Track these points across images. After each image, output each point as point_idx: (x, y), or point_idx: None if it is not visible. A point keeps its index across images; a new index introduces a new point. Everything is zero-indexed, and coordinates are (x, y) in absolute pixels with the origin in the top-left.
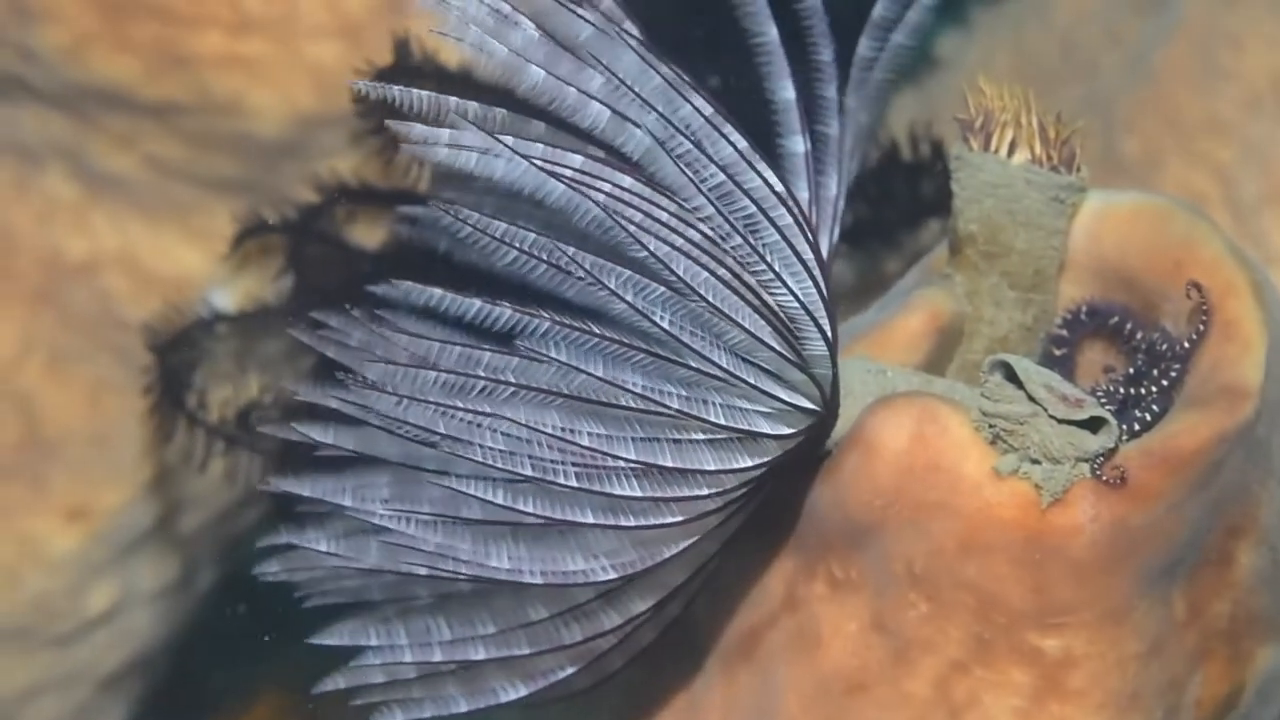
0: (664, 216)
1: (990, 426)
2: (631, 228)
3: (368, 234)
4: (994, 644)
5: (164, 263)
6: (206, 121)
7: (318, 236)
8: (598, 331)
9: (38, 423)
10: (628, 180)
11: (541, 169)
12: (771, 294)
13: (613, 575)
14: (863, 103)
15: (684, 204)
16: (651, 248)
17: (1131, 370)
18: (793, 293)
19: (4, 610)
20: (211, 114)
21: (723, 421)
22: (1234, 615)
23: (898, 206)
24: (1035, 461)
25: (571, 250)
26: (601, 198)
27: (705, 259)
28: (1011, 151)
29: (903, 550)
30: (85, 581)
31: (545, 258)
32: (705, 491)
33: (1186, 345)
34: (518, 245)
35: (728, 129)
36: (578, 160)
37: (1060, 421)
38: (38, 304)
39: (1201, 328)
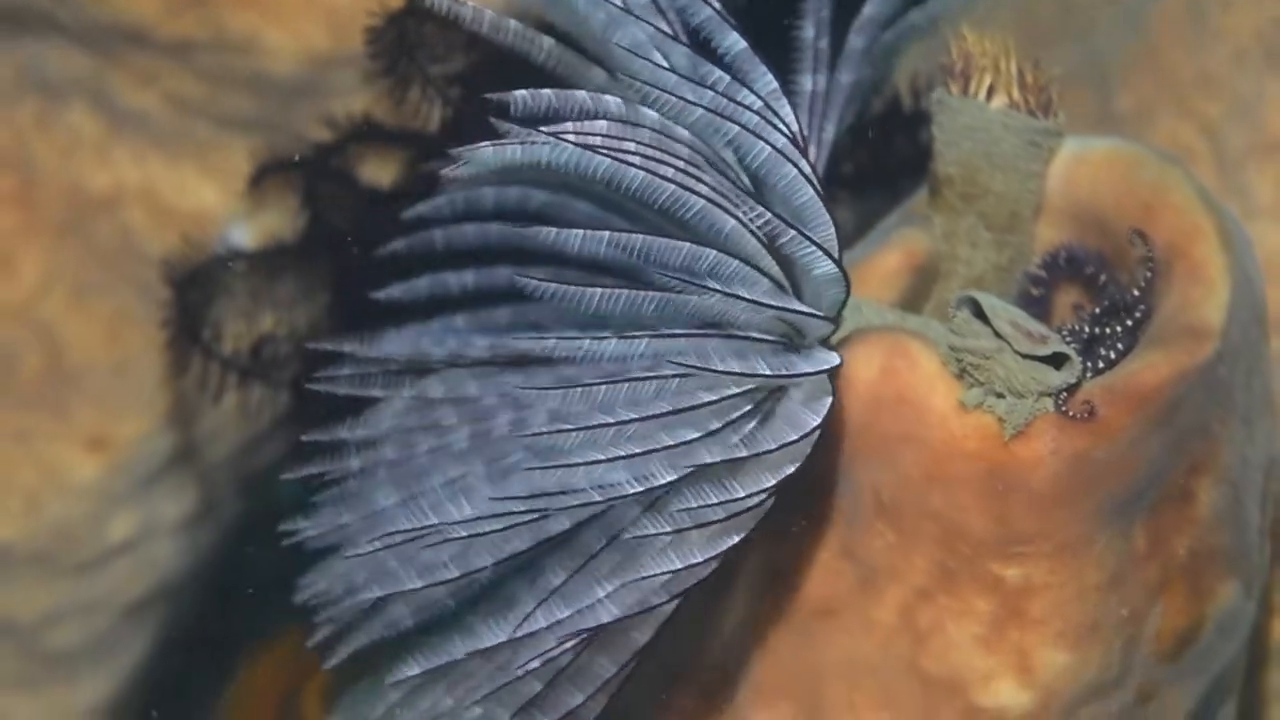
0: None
1: (958, 361)
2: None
3: (380, 173)
4: (957, 573)
5: (183, 198)
6: (223, 60)
7: (332, 175)
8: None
9: (60, 353)
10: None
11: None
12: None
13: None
14: (866, 57)
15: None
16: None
17: (1098, 310)
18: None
19: (25, 535)
20: (228, 52)
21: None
22: (1194, 551)
23: (898, 155)
24: (1000, 395)
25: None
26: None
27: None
28: (990, 96)
29: (872, 480)
30: (106, 510)
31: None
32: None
33: (1137, 292)
34: None
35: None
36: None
37: (1025, 357)
38: (61, 236)
39: (1149, 274)
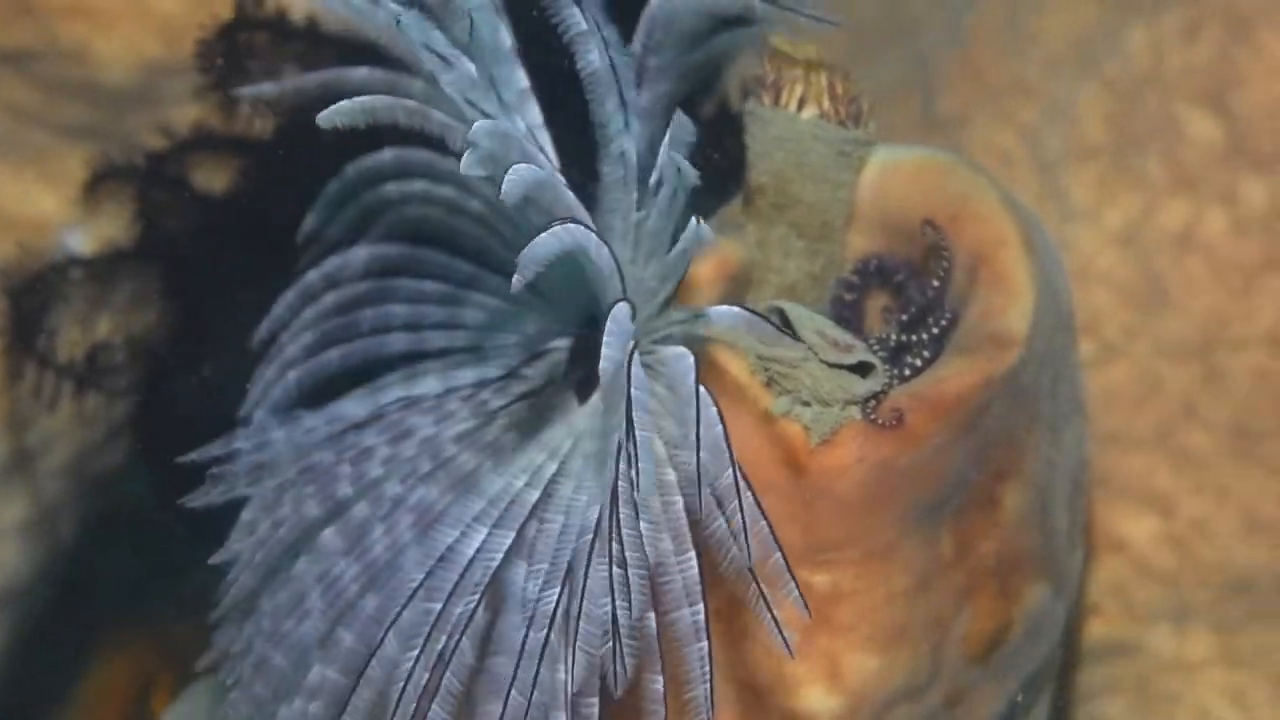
0: None
1: (765, 370)
2: None
3: (213, 179)
4: (768, 579)
5: (21, 206)
6: (57, 69)
7: (166, 182)
8: None
9: None
10: None
11: None
12: None
13: None
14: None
15: None
16: None
17: (905, 318)
18: None
19: None
20: (60, 61)
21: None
22: (1001, 555)
23: (728, 156)
24: (806, 404)
25: None
26: None
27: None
28: (801, 107)
29: None
30: None
31: None
32: None
33: (935, 285)
34: None
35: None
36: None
37: (830, 365)
38: None
39: (944, 267)
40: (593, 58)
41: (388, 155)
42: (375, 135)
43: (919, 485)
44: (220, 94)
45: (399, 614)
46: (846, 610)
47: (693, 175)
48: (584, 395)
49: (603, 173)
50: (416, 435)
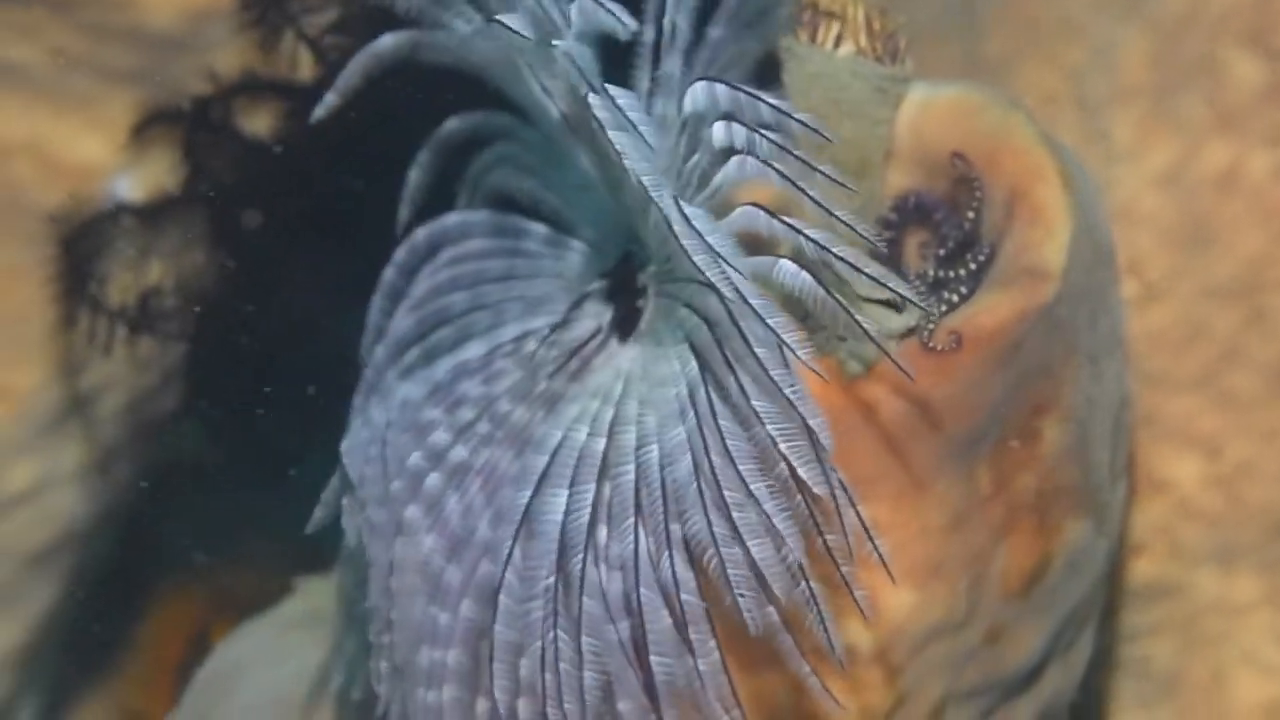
0: None
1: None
2: None
3: (257, 123)
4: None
5: (69, 151)
6: (102, 14)
7: (210, 126)
8: None
9: None
10: None
11: None
12: None
13: None
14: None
15: None
16: None
17: (942, 253)
18: None
19: None
20: (106, 7)
21: None
22: (1040, 490)
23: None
24: (842, 339)
25: None
26: None
27: None
28: (838, 44)
29: None
30: (5, 459)
31: None
32: None
33: (970, 217)
34: None
35: None
36: None
37: (866, 300)
38: None
39: (977, 199)
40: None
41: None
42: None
43: (955, 419)
44: (261, 33)
45: (500, 579)
46: (883, 545)
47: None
48: (625, 334)
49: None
50: (470, 399)
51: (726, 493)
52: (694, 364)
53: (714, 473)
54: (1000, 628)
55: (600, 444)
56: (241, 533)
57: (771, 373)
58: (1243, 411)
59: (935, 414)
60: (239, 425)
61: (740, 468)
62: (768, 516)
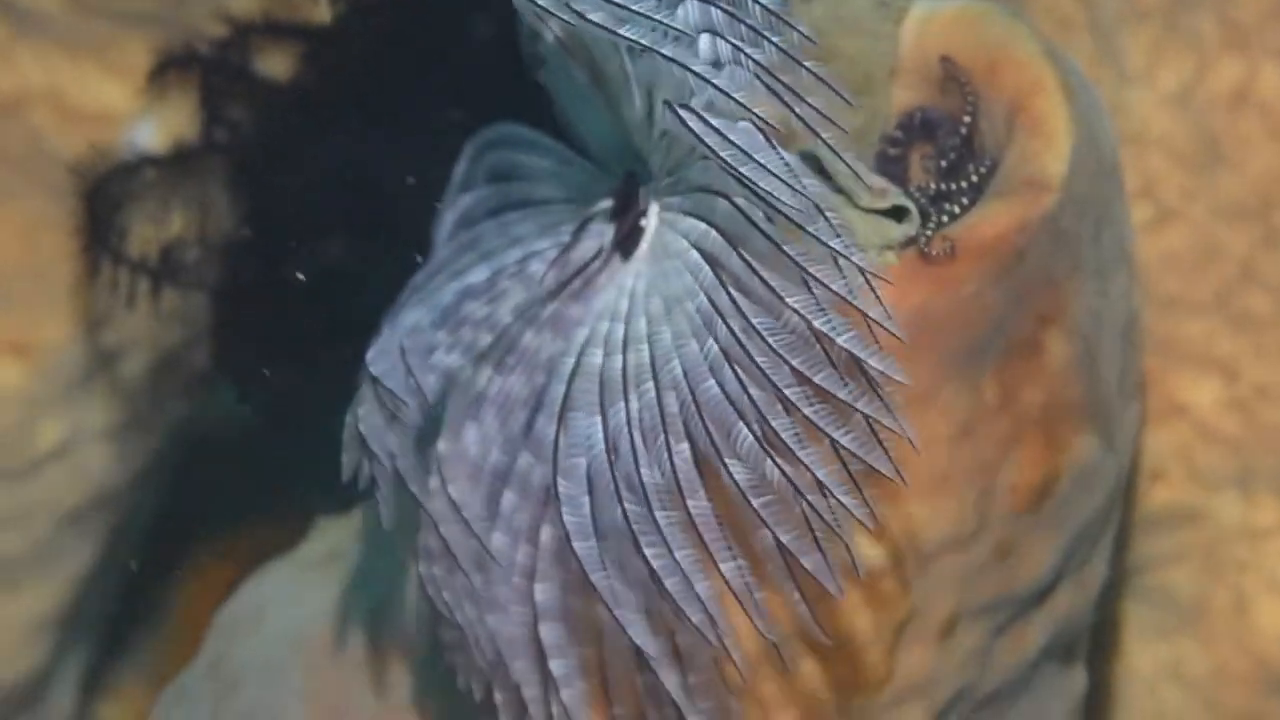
0: None
1: None
2: None
3: (276, 66)
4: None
5: (88, 98)
6: None
7: (229, 70)
8: None
9: None
10: None
11: None
12: None
13: None
14: None
15: None
16: None
17: (944, 164)
18: None
19: None
20: None
21: None
22: (1047, 403)
23: None
24: None
25: None
26: None
27: None
28: None
29: None
30: (33, 416)
31: None
32: None
33: (966, 119)
34: None
35: None
36: None
37: (866, 211)
38: None
39: (970, 100)
40: None
41: None
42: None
43: (957, 330)
44: None
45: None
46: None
47: None
48: (627, 253)
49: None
50: (472, 320)
51: (772, 399)
52: (708, 271)
53: (759, 377)
54: (1010, 542)
55: (617, 362)
56: (277, 489)
57: (811, 268)
58: (1260, 333)
59: (936, 324)
60: (270, 380)
61: (794, 361)
62: (819, 419)
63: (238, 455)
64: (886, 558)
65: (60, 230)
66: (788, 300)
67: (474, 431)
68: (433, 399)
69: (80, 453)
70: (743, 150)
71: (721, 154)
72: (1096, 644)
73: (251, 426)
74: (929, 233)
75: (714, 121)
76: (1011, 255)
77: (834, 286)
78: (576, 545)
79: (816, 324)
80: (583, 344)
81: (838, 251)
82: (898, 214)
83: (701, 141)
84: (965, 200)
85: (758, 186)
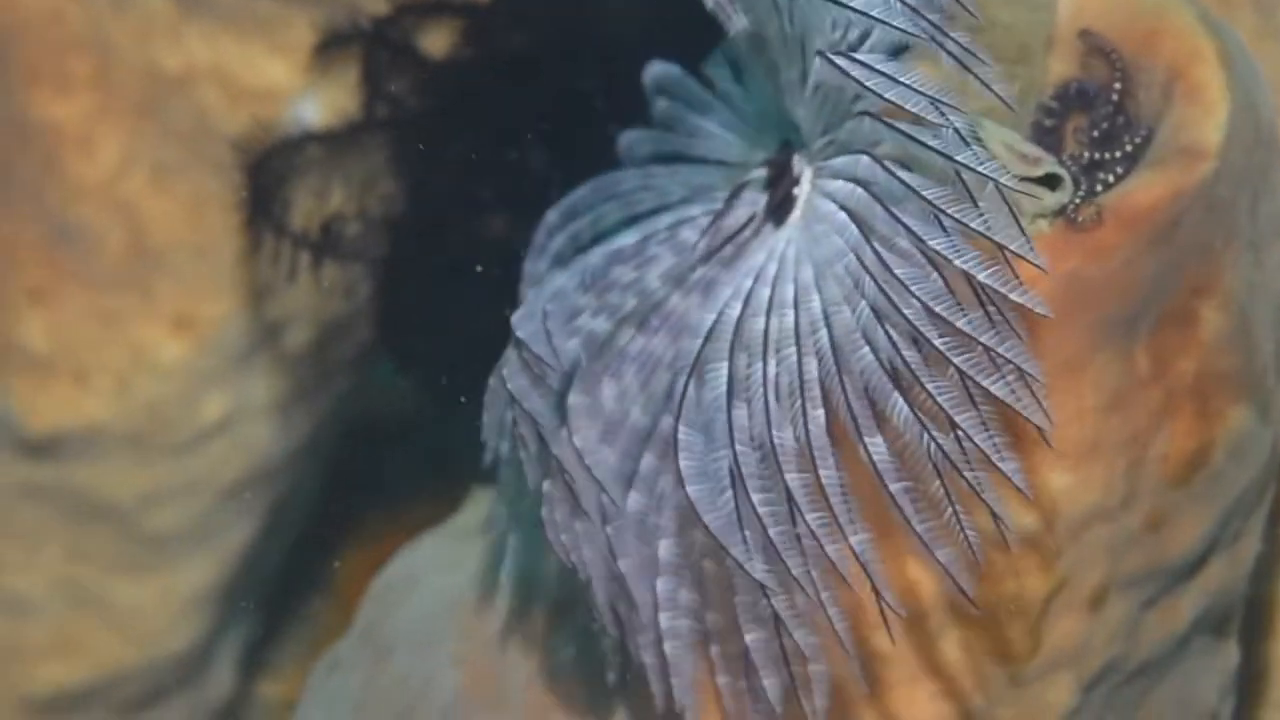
0: None
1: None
2: None
3: (437, 43)
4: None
5: (253, 75)
6: None
7: (389, 45)
8: None
9: (143, 233)
10: None
11: None
12: None
13: None
14: None
15: None
16: None
17: (1097, 134)
18: None
19: (118, 415)
20: None
21: None
22: (1201, 373)
23: None
24: None
25: None
26: None
27: None
28: None
29: None
30: (196, 390)
31: None
32: None
33: (1116, 87)
34: None
35: None
36: None
37: (1019, 179)
38: (139, 117)
39: (1118, 70)
40: None
41: None
42: None
43: (1109, 298)
44: None
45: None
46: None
47: None
48: (780, 220)
49: None
50: (620, 284)
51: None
52: (854, 230)
53: (908, 332)
54: (1161, 514)
55: (759, 323)
56: (437, 462)
57: (969, 222)
58: None
59: (1089, 293)
60: (430, 354)
61: (941, 309)
62: (974, 376)
63: (398, 429)
64: (1036, 527)
65: (225, 206)
66: (928, 243)
67: (612, 387)
68: (575, 362)
69: (243, 427)
70: (891, 79)
71: (870, 87)
72: (1249, 620)
73: (412, 399)
74: (1081, 201)
75: (865, 59)
76: (1166, 224)
77: (973, 224)
78: (690, 489)
79: (958, 263)
80: (724, 304)
81: (985, 175)
82: (1051, 182)
83: (848, 76)
84: (1120, 169)
85: (899, 128)
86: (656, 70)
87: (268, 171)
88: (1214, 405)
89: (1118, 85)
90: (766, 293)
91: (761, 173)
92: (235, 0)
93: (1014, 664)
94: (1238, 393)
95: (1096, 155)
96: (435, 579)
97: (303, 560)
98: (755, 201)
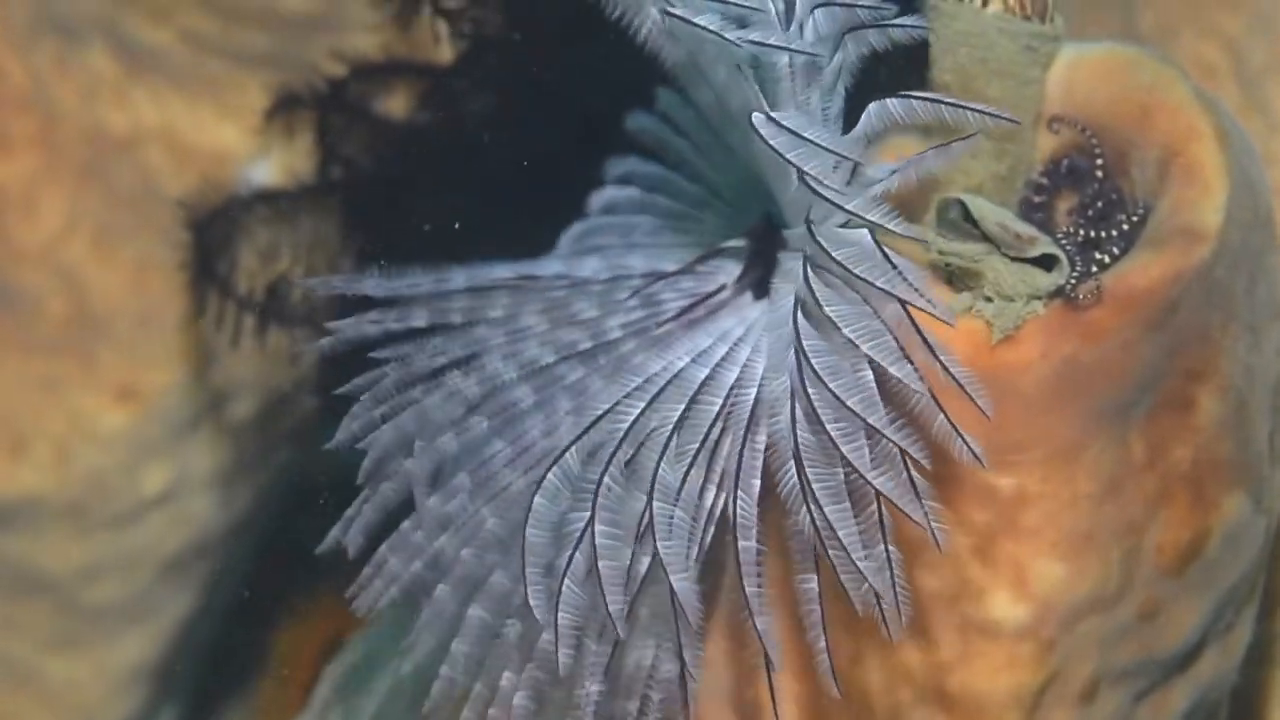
0: None
1: (946, 265)
2: None
3: (393, 104)
4: (955, 483)
5: (202, 137)
6: None
7: (345, 108)
8: None
9: (85, 299)
10: None
11: None
12: None
13: None
14: None
15: None
16: None
17: (1090, 213)
18: None
19: (57, 486)
20: None
21: None
22: (1197, 460)
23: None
24: (989, 299)
25: None
26: None
27: None
28: (986, 1)
29: None
30: (138, 461)
31: None
32: None
33: (1099, 166)
34: None
35: None
36: None
37: (1013, 259)
38: (83, 179)
39: (1096, 152)
40: None
41: None
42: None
43: (1106, 383)
44: (396, 11)
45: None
46: (1032, 514)
47: None
48: (760, 294)
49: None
50: (579, 318)
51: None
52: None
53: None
54: (1156, 604)
55: (700, 373)
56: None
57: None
58: None
59: (1085, 377)
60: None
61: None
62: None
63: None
64: (1028, 618)
65: (169, 271)
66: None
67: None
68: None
69: (183, 500)
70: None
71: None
72: (1236, 709)
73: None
74: (1074, 279)
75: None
76: (1164, 307)
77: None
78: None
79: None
80: (678, 354)
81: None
82: (1046, 263)
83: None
84: (1115, 249)
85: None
86: (615, 168)
87: (214, 230)
88: (1210, 493)
89: (1099, 163)
90: (722, 350)
91: (741, 243)
92: (185, 60)
93: None
94: (1233, 480)
95: (1093, 233)
96: (393, 663)
97: (239, 633)
98: (731, 271)
